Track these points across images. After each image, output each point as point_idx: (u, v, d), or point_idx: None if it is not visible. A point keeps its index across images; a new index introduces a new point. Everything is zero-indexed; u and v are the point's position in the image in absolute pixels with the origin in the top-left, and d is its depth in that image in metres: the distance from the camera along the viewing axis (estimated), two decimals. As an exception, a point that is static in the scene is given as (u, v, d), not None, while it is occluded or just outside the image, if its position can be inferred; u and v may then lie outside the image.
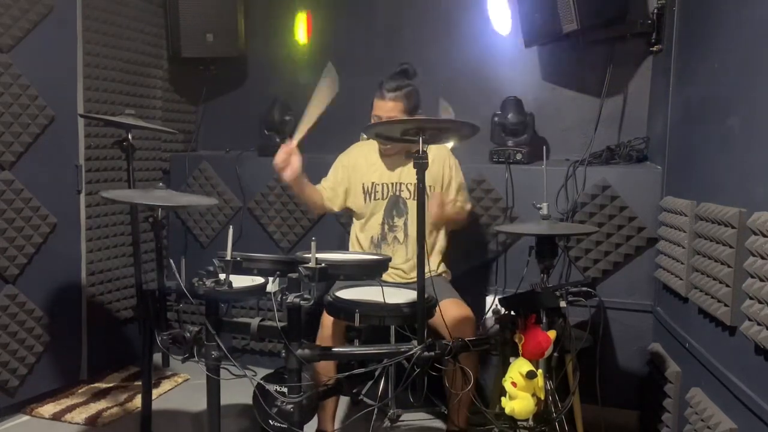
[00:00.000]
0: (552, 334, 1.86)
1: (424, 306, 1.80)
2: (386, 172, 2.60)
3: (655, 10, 2.77)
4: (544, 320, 1.90)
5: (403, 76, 2.58)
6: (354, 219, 2.70)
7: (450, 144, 2.75)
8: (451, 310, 2.30)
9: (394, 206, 2.58)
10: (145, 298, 2.22)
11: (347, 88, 3.39)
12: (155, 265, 2.29)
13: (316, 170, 2.93)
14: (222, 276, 1.83)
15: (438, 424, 2.75)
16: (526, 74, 3.14)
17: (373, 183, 2.60)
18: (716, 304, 1.81)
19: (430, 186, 2.54)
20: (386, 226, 2.59)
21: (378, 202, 2.59)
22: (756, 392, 1.57)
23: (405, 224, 2.57)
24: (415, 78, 2.61)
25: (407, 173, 2.57)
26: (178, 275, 1.87)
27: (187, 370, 3.25)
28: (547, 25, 2.74)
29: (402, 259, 2.56)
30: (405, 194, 2.57)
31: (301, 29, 3.48)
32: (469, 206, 2.66)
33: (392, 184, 2.59)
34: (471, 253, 2.97)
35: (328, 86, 2.29)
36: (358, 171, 2.63)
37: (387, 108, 2.49)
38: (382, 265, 1.97)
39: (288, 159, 2.39)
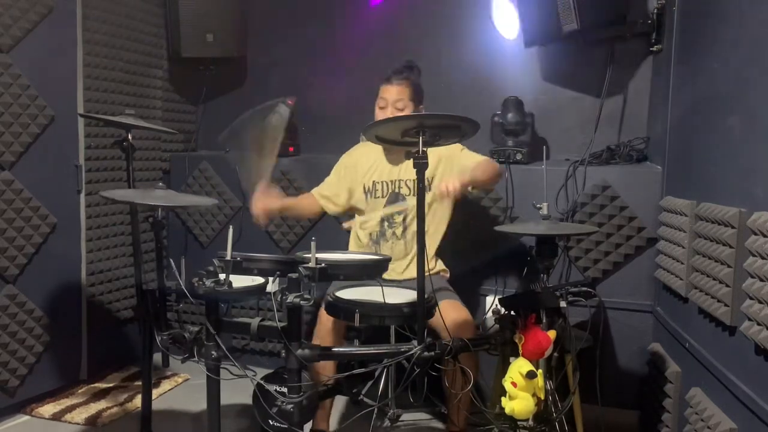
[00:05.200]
0: (552, 334, 1.86)
1: (424, 306, 1.80)
2: (386, 169, 2.60)
3: (655, 10, 2.77)
4: (544, 320, 1.90)
5: (408, 69, 2.62)
6: (355, 216, 2.71)
7: None
8: (449, 313, 2.29)
9: (394, 203, 2.58)
10: (145, 298, 2.22)
11: (347, 88, 3.43)
12: (155, 265, 2.29)
13: (315, 170, 2.93)
14: (222, 276, 1.83)
15: (438, 424, 2.75)
16: (526, 74, 3.14)
17: (373, 182, 2.60)
18: (716, 304, 1.81)
19: (427, 178, 2.52)
20: (385, 223, 2.59)
21: (378, 200, 2.60)
22: (756, 392, 1.57)
23: (404, 220, 2.56)
24: (419, 76, 2.65)
25: (406, 170, 2.57)
26: (178, 275, 1.87)
27: (187, 370, 3.25)
28: (547, 25, 2.74)
29: (401, 254, 2.56)
30: (404, 191, 2.57)
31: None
32: (493, 161, 2.54)
33: (392, 181, 2.59)
34: (471, 253, 2.97)
35: (277, 123, 2.34)
36: (360, 170, 2.64)
37: (393, 92, 2.53)
38: (382, 265, 1.97)
39: (266, 200, 2.47)
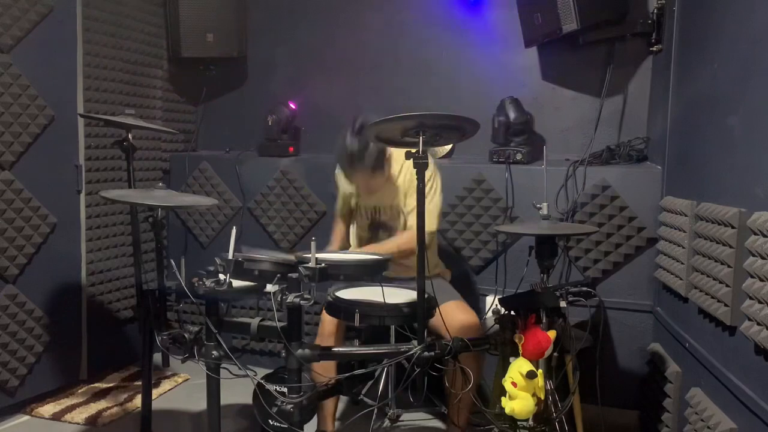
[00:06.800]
0: (552, 334, 1.85)
1: (424, 306, 1.80)
2: (364, 196, 2.57)
3: (655, 10, 2.77)
4: (544, 320, 1.90)
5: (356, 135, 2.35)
6: (354, 222, 2.71)
7: (447, 148, 2.73)
8: (456, 314, 2.29)
9: (379, 227, 2.58)
10: (145, 298, 2.22)
11: (347, 88, 3.43)
12: (155, 265, 2.29)
13: (315, 170, 2.94)
14: (222, 276, 1.83)
15: (438, 424, 2.75)
16: (526, 74, 3.14)
17: (357, 204, 2.61)
18: (716, 304, 1.81)
19: (405, 193, 2.50)
20: (380, 231, 2.58)
21: (364, 221, 2.60)
22: (756, 392, 1.57)
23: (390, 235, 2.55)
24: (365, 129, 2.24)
25: (381, 197, 2.53)
26: (178, 275, 1.87)
27: (187, 370, 3.25)
28: (547, 25, 2.74)
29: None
30: (385, 217, 2.55)
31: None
32: (409, 234, 2.43)
33: (374, 207, 2.57)
34: (471, 253, 2.97)
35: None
36: (346, 190, 2.64)
37: (363, 178, 2.42)
38: (382, 265, 1.97)
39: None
